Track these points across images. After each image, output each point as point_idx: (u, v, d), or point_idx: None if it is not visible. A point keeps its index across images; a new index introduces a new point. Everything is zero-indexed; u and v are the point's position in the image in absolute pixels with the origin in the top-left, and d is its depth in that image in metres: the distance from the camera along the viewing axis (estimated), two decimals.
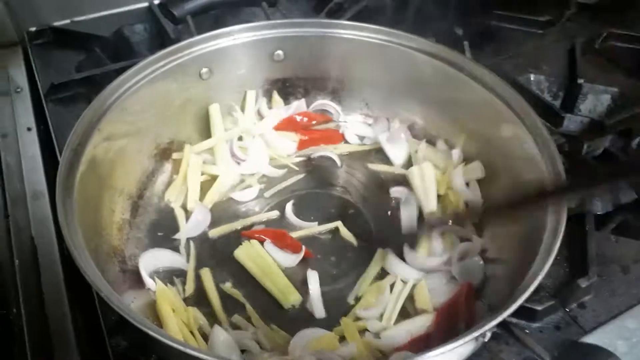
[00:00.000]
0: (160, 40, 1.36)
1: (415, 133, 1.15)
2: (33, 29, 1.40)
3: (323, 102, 1.18)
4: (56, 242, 0.94)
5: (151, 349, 0.80)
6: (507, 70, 1.24)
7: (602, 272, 0.91)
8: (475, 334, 0.65)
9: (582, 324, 0.85)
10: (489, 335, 0.68)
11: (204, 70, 1.07)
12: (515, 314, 0.84)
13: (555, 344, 0.83)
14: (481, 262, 0.92)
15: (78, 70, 1.30)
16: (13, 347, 0.79)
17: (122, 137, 0.98)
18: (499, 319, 0.67)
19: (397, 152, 1.13)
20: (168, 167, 1.09)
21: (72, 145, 0.87)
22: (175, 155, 1.08)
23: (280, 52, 1.12)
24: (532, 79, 1.30)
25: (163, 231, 1.01)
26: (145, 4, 1.47)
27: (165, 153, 1.08)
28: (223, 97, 1.13)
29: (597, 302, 0.88)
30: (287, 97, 1.19)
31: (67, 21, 1.43)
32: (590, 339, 0.83)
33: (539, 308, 0.85)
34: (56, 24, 1.41)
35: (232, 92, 1.14)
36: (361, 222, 1.04)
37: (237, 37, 1.08)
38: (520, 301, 0.68)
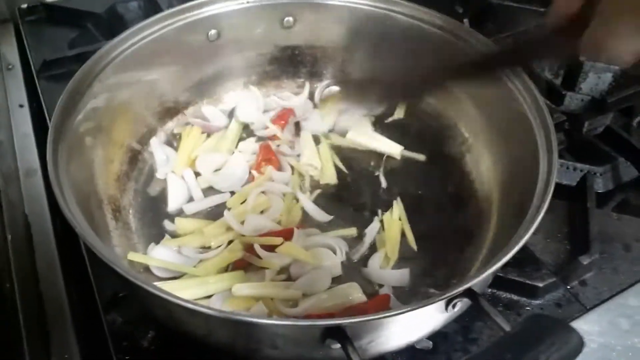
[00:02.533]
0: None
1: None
2: (25, 5, 1.37)
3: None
4: (50, 219, 0.93)
5: (147, 325, 0.79)
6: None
7: (603, 249, 0.90)
8: (435, 301, 0.62)
9: (584, 301, 0.85)
10: (459, 305, 0.66)
11: (212, 32, 1.06)
12: (515, 291, 0.85)
13: None
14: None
15: (71, 47, 1.28)
16: (7, 323, 0.78)
17: (124, 90, 0.97)
18: (462, 288, 0.63)
19: None
20: (170, 125, 1.09)
21: (70, 91, 0.86)
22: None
23: (290, 18, 1.10)
24: None
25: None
26: None
27: (169, 112, 1.08)
28: (230, 61, 1.12)
29: (599, 280, 0.87)
30: (296, 67, 1.17)
31: None
32: (591, 316, 0.83)
33: (540, 285, 0.84)
34: (48, 0, 1.38)
35: (240, 56, 1.13)
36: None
37: (249, 1, 1.06)
38: (485, 274, 0.65)
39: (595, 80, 1.21)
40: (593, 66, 1.21)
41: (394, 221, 0.94)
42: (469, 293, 0.63)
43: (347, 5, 1.07)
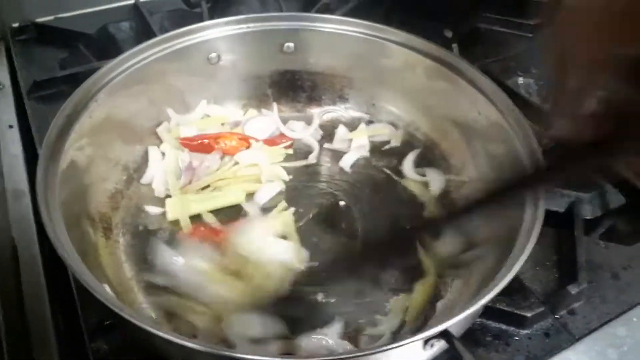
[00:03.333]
0: (146, 38, 1.32)
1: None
2: (16, 24, 1.37)
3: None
4: (37, 242, 0.91)
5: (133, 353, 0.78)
6: (495, 73, 1.23)
7: (591, 278, 0.90)
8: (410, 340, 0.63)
9: (572, 330, 0.85)
10: (437, 345, 0.66)
11: (213, 55, 1.07)
12: (504, 321, 0.85)
13: (545, 352, 0.82)
14: None
15: (62, 67, 1.27)
16: None
17: (121, 110, 0.98)
18: (440, 327, 0.63)
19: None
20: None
21: (67, 112, 0.87)
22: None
23: (290, 44, 1.11)
24: (520, 82, 1.30)
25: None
26: (131, 1, 1.44)
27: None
28: (230, 84, 1.13)
29: (587, 309, 0.87)
30: (295, 91, 1.18)
31: (51, 17, 1.40)
32: (580, 346, 0.82)
33: (529, 315, 0.84)
34: (39, 20, 1.38)
35: (239, 79, 1.14)
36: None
37: (249, 26, 1.07)
38: (458, 318, 0.64)
39: None
40: None
41: None
42: (444, 334, 0.64)
43: (345, 33, 1.09)
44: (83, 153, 0.89)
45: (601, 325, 0.85)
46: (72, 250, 0.72)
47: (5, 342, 0.78)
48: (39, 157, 0.80)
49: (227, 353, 0.62)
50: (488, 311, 0.84)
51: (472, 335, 0.83)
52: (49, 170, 0.79)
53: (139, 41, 1.31)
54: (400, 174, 1.09)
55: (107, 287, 0.78)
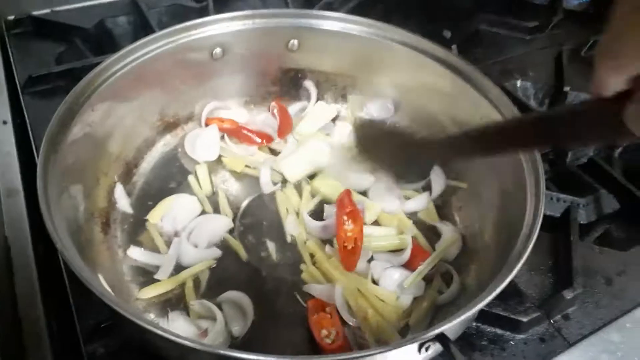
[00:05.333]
0: (144, 33, 1.32)
1: None
2: (12, 17, 1.35)
3: None
4: (31, 242, 0.90)
5: (128, 356, 0.77)
6: (493, 75, 1.23)
7: (586, 283, 0.91)
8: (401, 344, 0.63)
9: (567, 336, 0.85)
10: (432, 348, 0.66)
11: (217, 50, 1.07)
12: (500, 325, 0.85)
13: (540, 357, 0.82)
14: None
15: (58, 62, 1.26)
16: None
17: (124, 105, 0.98)
18: (436, 331, 0.63)
19: None
20: (170, 139, 1.10)
21: (68, 104, 0.86)
22: None
23: (295, 41, 1.10)
24: (518, 85, 1.30)
25: (152, 201, 1.00)
26: None
27: (168, 126, 1.10)
28: (233, 80, 1.13)
29: (582, 314, 0.88)
30: (298, 89, 1.18)
31: (48, 10, 1.38)
32: (574, 352, 0.83)
33: (524, 319, 0.84)
34: (36, 13, 1.37)
35: (243, 75, 1.14)
36: None
37: (255, 22, 1.07)
38: (454, 322, 0.64)
39: None
40: (577, 96, 1.23)
41: None
42: (440, 337, 0.64)
43: (351, 32, 1.08)
44: (83, 147, 0.89)
45: (595, 331, 0.86)
46: (70, 244, 0.72)
47: None
48: (40, 148, 0.79)
49: (224, 352, 0.62)
50: (484, 315, 0.84)
51: (468, 340, 0.83)
52: (49, 164, 0.78)
53: (136, 36, 1.31)
54: None
55: (103, 283, 0.78)
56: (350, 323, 0.85)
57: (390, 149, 0.89)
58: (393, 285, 0.89)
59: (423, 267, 0.90)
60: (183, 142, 1.10)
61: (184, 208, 0.98)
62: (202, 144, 1.08)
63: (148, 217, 0.96)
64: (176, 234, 0.95)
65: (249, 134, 1.11)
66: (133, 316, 0.61)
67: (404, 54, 1.05)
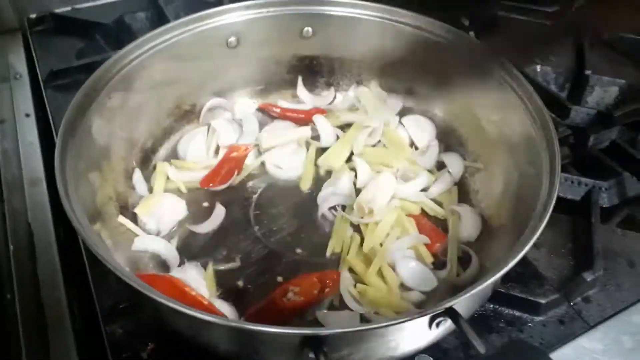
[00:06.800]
0: None
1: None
2: (33, 15, 1.39)
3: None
4: (53, 228, 0.93)
5: (146, 337, 0.78)
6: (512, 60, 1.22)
7: (607, 265, 0.89)
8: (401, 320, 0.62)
9: (587, 318, 0.84)
10: (443, 325, 0.65)
11: (232, 39, 1.07)
12: (518, 307, 0.84)
13: (558, 339, 0.81)
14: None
15: (78, 57, 1.29)
16: (7, 333, 0.78)
17: (141, 93, 0.99)
18: (446, 305, 0.63)
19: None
20: (187, 127, 1.11)
21: (86, 90, 0.88)
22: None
23: (309, 28, 1.11)
24: (538, 70, 1.28)
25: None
26: None
27: (186, 115, 1.10)
28: (248, 69, 1.14)
29: (603, 296, 0.87)
30: (314, 76, 1.19)
31: (68, 8, 1.42)
32: (594, 333, 0.82)
33: (543, 301, 0.83)
34: (57, 10, 1.41)
35: (258, 64, 1.14)
36: None
37: (269, 10, 1.07)
38: (464, 296, 0.64)
39: (602, 93, 1.20)
40: (599, 79, 1.21)
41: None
42: (450, 312, 0.63)
43: (364, 17, 1.08)
44: (101, 132, 0.90)
45: (616, 313, 0.84)
46: (87, 223, 0.73)
47: (21, 326, 0.79)
48: (58, 133, 0.80)
49: (244, 326, 0.62)
50: (501, 297, 0.83)
51: (486, 321, 0.83)
52: (67, 147, 0.79)
53: None
54: None
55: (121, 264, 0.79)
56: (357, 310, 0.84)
57: None
58: (408, 272, 0.89)
59: (451, 255, 0.90)
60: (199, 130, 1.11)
61: (169, 209, 0.97)
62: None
63: (136, 210, 0.94)
64: (158, 234, 0.94)
65: (294, 114, 1.15)
66: (148, 291, 0.62)
67: (418, 38, 1.05)
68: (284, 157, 1.08)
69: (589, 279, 0.85)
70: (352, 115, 1.14)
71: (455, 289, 0.86)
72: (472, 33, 1.28)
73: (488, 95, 0.98)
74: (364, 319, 0.83)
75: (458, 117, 1.08)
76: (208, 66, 1.08)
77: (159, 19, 1.38)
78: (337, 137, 1.11)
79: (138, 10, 1.42)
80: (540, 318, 0.84)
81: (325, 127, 1.11)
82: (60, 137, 0.79)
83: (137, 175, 0.99)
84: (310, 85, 1.19)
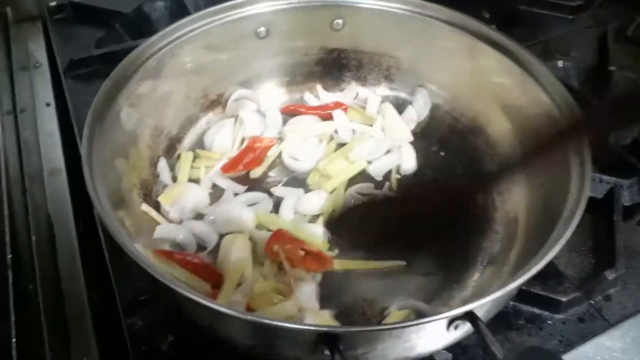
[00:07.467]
0: (181, 17, 1.32)
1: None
2: (53, 3, 1.38)
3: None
4: (73, 219, 0.93)
5: (167, 329, 0.79)
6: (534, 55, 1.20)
7: (629, 264, 0.88)
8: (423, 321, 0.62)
9: (607, 316, 0.83)
10: (461, 327, 0.65)
11: (261, 29, 1.06)
12: (538, 305, 0.84)
13: (578, 337, 0.81)
14: None
15: (98, 46, 1.29)
16: (29, 324, 0.78)
17: (169, 81, 0.99)
18: (465, 308, 0.62)
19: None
20: (212, 117, 1.10)
21: (115, 77, 0.88)
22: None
23: (339, 20, 1.09)
24: (560, 65, 1.27)
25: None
26: None
27: (212, 104, 1.10)
28: (276, 60, 1.13)
29: (624, 295, 0.86)
30: (341, 70, 1.17)
31: None
32: (615, 332, 0.81)
33: (564, 299, 0.83)
34: None
35: (287, 55, 1.13)
36: None
37: (300, 0, 1.06)
38: (484, 300, 0.63)
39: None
40: (623, 75, 1.19)
41: None
42: (469, 316, 0.62)
43: (394, 10, 1.06)
44: (128, 120, 0.90)
45: (638, 312, 0.84)
46: (110, 210, 0.73)
47: (43, 317, 0.80)
48: (87, 119, 0.80)
49: (266, 321, 0.61)
50: (522, 295, 0.83)
51: (505, 318, 0.82)
52: (94, 133, 0.80)
53: (173, 20, 1.32)
54: None
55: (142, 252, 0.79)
56: None
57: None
58: None
59: None
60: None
61: (192, 199, 0.96)
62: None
63: (160, 199, 0.95)
64: (180, 223, 0.95)
65: (318, 110, 1.14)
66: (167, 280, 0.62)
67: (448, 33, 1.03)
68: (303, 150, 1.07)
69: (610, 277, 0.85)
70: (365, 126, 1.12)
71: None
72: (493, 27, 1.26)
73: (519, 95, 0.96)
74: None
75: (486, 116, 1.06)
76: (236, 56, 1.08)
77: (178, 8, 1.37)
78: (354, 133, 1.10)
79: (157, 0, 1.41)
80: (560, 316, 0.83)
81: (343, 123, 1.10)
82: (88, 122, 0.79)
83: (162, 164, 0.99)
84: (337, 79, 1.18)
